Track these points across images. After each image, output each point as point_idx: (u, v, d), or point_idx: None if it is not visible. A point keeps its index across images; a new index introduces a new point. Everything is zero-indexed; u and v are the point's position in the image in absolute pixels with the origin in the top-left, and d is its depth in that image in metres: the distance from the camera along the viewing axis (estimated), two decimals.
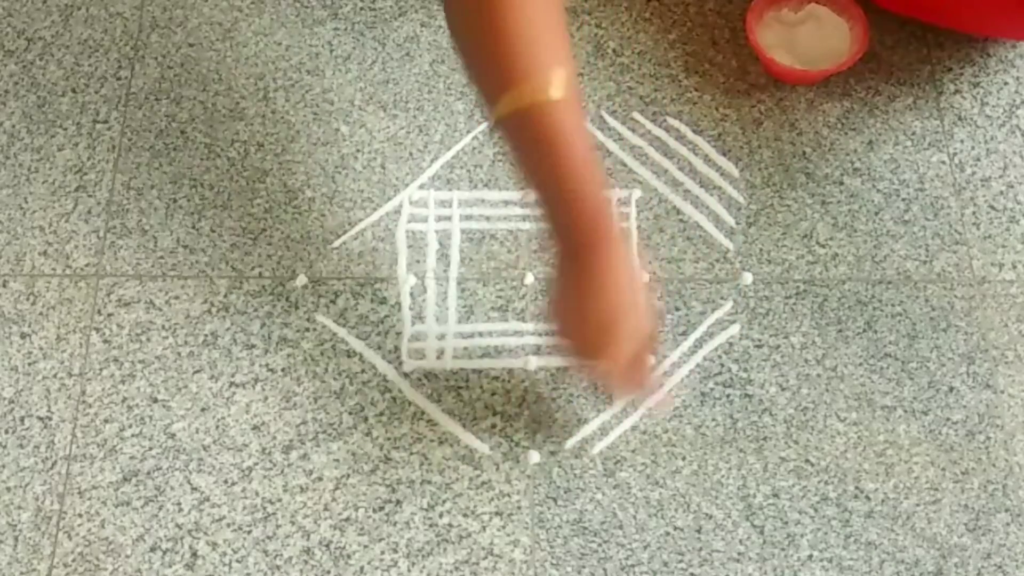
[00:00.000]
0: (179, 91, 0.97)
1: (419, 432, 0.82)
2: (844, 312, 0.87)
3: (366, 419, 0.83)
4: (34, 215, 0.91)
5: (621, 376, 0.77)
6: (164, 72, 0.98)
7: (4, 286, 0.88)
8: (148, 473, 0.81)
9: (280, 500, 0.80)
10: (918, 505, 0.80)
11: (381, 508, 0.80)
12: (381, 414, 0.83)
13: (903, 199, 0.92)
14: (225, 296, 0.87)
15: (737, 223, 0.90)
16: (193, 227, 0.90)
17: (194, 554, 0.78)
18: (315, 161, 0.93)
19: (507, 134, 0.73)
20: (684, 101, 0.96)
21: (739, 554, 0.78)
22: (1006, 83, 0.98)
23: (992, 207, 0.92)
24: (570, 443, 0.82)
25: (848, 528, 0.79)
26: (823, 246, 0.90)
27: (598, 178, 0.73)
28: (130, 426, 0.82)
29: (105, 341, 0.85)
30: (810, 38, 0.96)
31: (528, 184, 0.75)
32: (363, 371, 0.84)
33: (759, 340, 0.86)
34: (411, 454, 0.81)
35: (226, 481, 0.80)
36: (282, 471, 0.81)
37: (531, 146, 0.72)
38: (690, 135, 0.94)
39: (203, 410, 0.83)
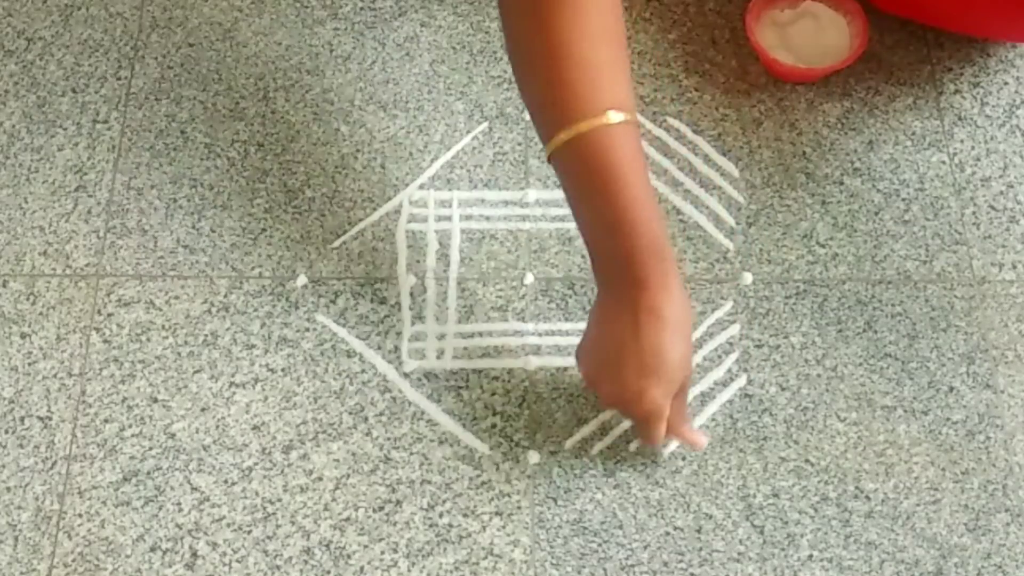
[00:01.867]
0: (179, 91, 0.97)
1: (419, 432, 0.82)
2: (844, 312, 0.87)
3: (366, 419, 0.83)
4: (34, 215, 0.91)
5: (662, 419, 0.74)
6: (164, 72, 0.98)
7: (4, 286, 0.88)
8: (148, 473, 0.81)
9: (280, 500, 0.80)
10: (918, 505, 0.80)
11: (381, 508, 0.80)
12: (381, 414, 0.83)
13: (903, 199, 0.92)
14: (225, 296, 0.87)
15: (737, 223, 0.91)
16: (193, 227, 0.90)
17: (194, 554, 0.78)
18: (315, 161, 0.93)
19: (563, 163, 0.70)
20: (684, 101, 0.96)
21: (739, 554, 0.78)
22: (1006, 83, 0.98)
23: (992, 207, 0.92)
24: (570, 443, 0.82)
25: (848, 528, 0.79)
26: (823, 246, 0.90)
27: (657, 211, 0.71)
28: (130, 426, 0.82)
29: (105, 341, 0.85)
30: (809, 36, 0.96)
31: (582, 216, 0.72)
32: (363, 371, 0.84)
33: (759, 340, 0.86)
34: (411, 454, 0.81)
35: (226, 481, 0.80)
36: (282, 471, 0.81)
37: (588, 172, 0.70)
38: (690, 135, 0.94)
39: (203, 410, 0.83)
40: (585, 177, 0.70)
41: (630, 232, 0.70)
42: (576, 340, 0.85)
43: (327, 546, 0.78)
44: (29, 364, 0.85)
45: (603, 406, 0.81)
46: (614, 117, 0.69)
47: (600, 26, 0.70)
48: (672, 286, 0.71)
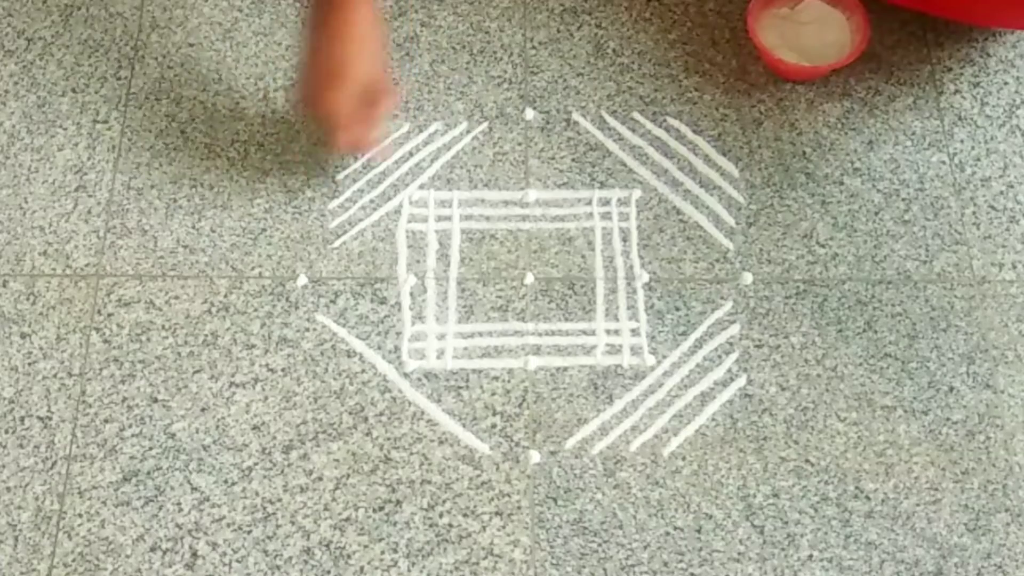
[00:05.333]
0: (179, 91, 0.97)
1: (419, 432, 0.82)
2: (844, 312, 0.87)
3: (366, 419, 0.83)
4: (34, 215, 0.91)
5: (343, 125, 0.85)
6: (164, 72, 0.98)
7: (4, 286, 0.88)
8: (148, 473, 0.81)
9: (280, 500, 0.80)
10: (918, 505, 0.80)
11: (381, 508, 0.80)
12: (381, 414, 0.83)
13: (903, 199, 0.92)
14: (225, 296, 0.87)
15: (737, 223, 0.91)
16: (193, 227, 0.90)
17: (194, 554, 0.78)
18: (315, 161, 0.93)
19: None
20: (684, 101, 0.96)
21: (739, 554, 0.78)
22: (1006, 83, 0.98)
23: (992, 207, 0.92)
24: (570, 443, 0.82)
25: (848, 528, 0.79)
26: (823, 246, 0.90)
27: None
28: (130, 426, 0.82)
29: (105, 341, 0.85)
30: (810, 33, 0.96)
31: None
32: (363, 371, 0.84)
33: (759, 340, 0.86)
34: (411, 454, 0.81)
35: (226, 481, 0.80)
36: (282, 471, 0.81)
37: None
38: (690, 135, 0.94)
39: (203, 410, 0.83)
40: None
41: None
42: (576, 340, 0.86)
43: (327, 546, 0.78)
44: (29, 364, 0.85)
45: (295, 110, 0.92)
46: None
47: None
48: (362, 8, 0.83)
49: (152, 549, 0.78)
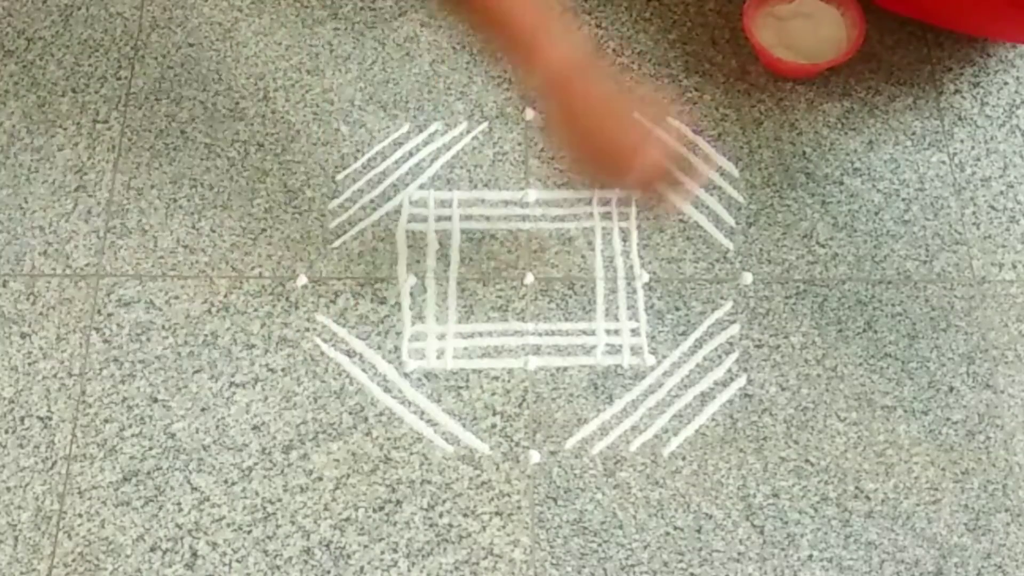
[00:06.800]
0: (179, 91, 0.97)
1: (419, 432, 0.82)
2: (844, 312, 0.87)
3: (366, 419, 0.83)
4: (34, 215, 0.91)
5: (646, 185, 0.78)
6: (164, 72, 0.98)
7: (4, 286, 0.88)
8: (148, 473, 0.81)
9: (280, 500, 0.80)
10: (918, 505, 0.80)
11: (381, 508, 0.80)
12: (381, 414, 0.83)
13: (903, 199, 0.92)
14: (225, 296, 0.87)
15: (737, 223, 0.91)
16: (193, 227, 0.90)
17: (194, 554, 0.78)
18: (315, 161, 0.93)
19: None
20: (684, 101, 0.96)
21: (739, 554, 0.78)
22: (1006, 83, 0.98)
23: (992, 207, 0.92)
24: (570, 443, 0.82)
25: (848, 528, 0.79)
26: (823, 246, 0.90)
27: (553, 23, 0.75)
28: (130, 426, 0.82)
29: (105, 341, 0.85)
30: (805, 32, 0.96)
31: (492, 37, 0.76)
32: (363, 371, 0.84)
33: (759, 340, 0.86)
34: (411, 454, 0.81)
35: (226, 481, 0.80)
36: (282, 471, 0.81)
37: None
38: (690, 135, 0.94)
39: (203, 410, 0.83)
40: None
41: (536, 47, 0.73)
42: (576, 340, 0.86)
43: (327, 546, 0.78)
44: (29, 364, 0.85)
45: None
46: None
47: None
48: (582, 89, 0.75)
49: (152, 549, 0.78)
